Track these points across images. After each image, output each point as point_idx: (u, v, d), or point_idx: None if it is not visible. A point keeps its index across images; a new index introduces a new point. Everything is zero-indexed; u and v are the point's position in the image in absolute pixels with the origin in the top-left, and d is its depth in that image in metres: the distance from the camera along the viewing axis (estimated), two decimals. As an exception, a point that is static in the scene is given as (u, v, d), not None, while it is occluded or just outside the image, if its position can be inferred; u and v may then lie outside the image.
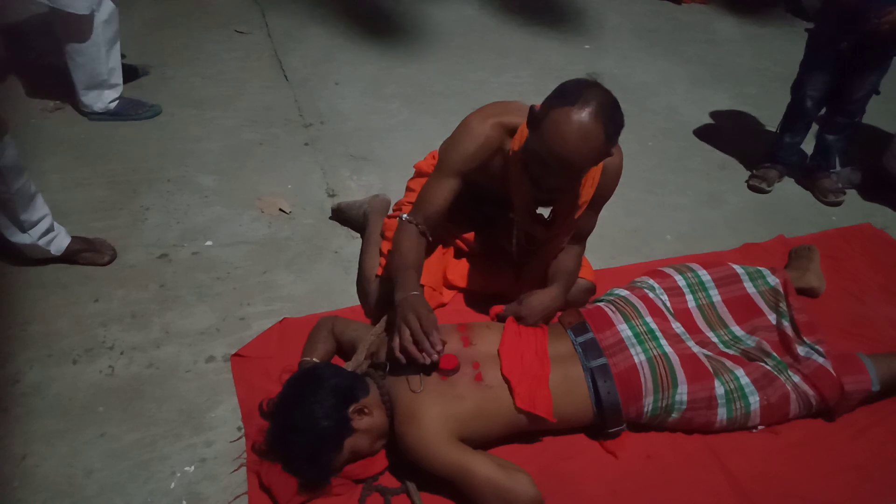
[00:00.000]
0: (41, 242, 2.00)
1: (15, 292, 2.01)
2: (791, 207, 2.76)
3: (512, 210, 1.86)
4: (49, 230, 2.01)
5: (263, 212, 2.44)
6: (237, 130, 2.88)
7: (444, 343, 1.56)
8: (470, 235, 2.03)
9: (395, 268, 1.73)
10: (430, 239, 1.81)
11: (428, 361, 1.52)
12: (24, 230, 1.95)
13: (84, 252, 2.10)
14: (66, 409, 1.71)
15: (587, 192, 1.72)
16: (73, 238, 2.08)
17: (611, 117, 1.45)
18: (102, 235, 2.18)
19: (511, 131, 1.70)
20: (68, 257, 2.08)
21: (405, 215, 1.80)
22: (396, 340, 1.54)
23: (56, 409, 1.70)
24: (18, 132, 2.67)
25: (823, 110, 2.76)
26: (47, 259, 2.07)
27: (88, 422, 1.68)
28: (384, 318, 1.77)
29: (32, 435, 1.64)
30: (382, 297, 1.93)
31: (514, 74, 3.57)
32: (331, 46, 3.64)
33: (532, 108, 1.53)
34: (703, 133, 3.23)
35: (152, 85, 3.11)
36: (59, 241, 2.05)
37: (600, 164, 1.70)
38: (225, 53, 3.45)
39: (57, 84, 2.83)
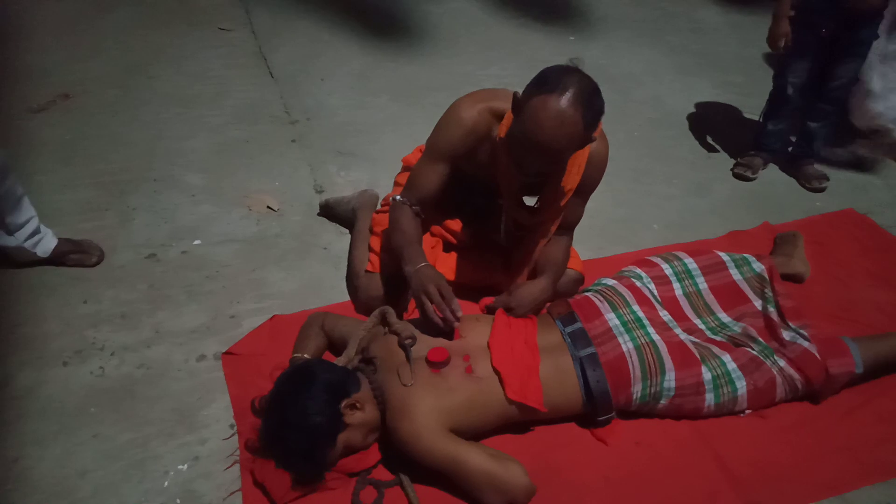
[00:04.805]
0: (27, 245, 1.99)
1: (2, 295, 2.00)
2: (776, 194, 2.79)
3: (500, 198, 1.87)
4: (35, 232, 2.00)
5: (252, 209, 2.44)
6: (223, 128, 2.87)
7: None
8: (458, 227, 2.04)
9: (399, 244, 1.78)
10: (423, 217, 1.86)
11: (453, 325, 1.64)
12: (10, 233, 1.94)
13: (72, 253, 2.09)
14: (58, 411, 1.71)
15: (573, 178, 1.74)
16: (61, 240, 2.08)
17: (589, 104, 1.47)
18: (90, 236, 2.18)
19: (499, 117, 1.71)
20: (56, 259, 2.07)
21: (398, 196, 1.85)
22: (430, 309, 1.64)
23: (48, 411, 1.70)
24: (3, 133, 2.65)
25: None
26: (34, 261, 2.06)
27: (81, 423, 1.68)
28: (375, 313, 1.77)
29: (25, 438, 1.64)
30: (386, 275, 1.94)
31: (500, 67, 3.57)
32: (316, 42, 3.62)
33: (515, 94, 1.55)
34: (688, 122, 3.24)
35: (135, 83, 3.10)
36: (46, 243, 2.04)
37: (586, 152, 1.71)
38: (209, 51, 3.43)
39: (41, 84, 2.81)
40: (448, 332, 1.67)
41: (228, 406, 1.74)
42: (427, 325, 1.68)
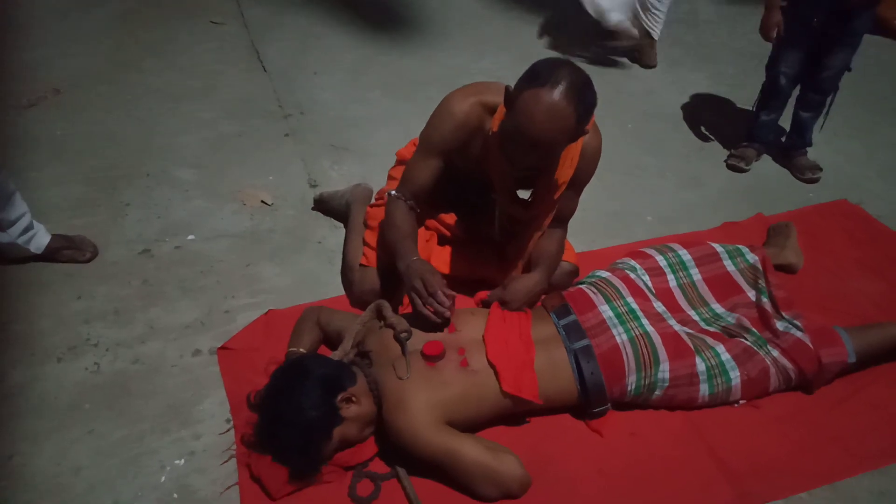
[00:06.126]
0: (20, 241, 1.98)
1: (-5, 292, 1.99)
2: (769, 185, 2.80)
3: (493, 192, 1.87)
4: (28, 228, 1.99)
5: (245, 204, 2.43)
6: (216, 123, 2.86)
7: (454, 297, 1.65)
8: (453, 221, 2.04)
9: (393, 240, 1.78)
10: (419, 211, 1.86)
11: (440, 320, 1.63)
12: (2, 229, 1.94)
13: (65, 249, 2.08)
14: (51, 407, 1.70)
15: (566, 172, 1.74)
16: (54, 236, 2.07)
17: (581, 97, 1.47)
18: (82, 232, 2.17)
19: (491, 111, 1.71)
20: (49, 255, 2.06)
21: (393, 191, 1.84)
22: (419, 303, 1.64)
23: (42, 408, 1.70)
24: (-8, 130, 2.64)
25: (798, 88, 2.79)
26: (27, 258, 2.05)
27: (75, 420, 1.68)
28: (370, 307, 1.77)
29: (18, 435, 1.63)
30: (381, 269, 1.94)
31: (493, 60, 3.57)
32: (309, 35, 3.61)
33: (507, 88, 1.55)
34: (681, 114, 3.25)
35: (127, 78, 3.08)
36: (39, 239, 2.03)
37: (579, 145, 1.71)
38: (201, 45, 3.41)
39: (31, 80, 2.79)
40: (440, 325, 1.67)
41: (223, 401, 1.74)
42: (420, 320, 1.68)
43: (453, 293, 1.67)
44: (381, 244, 1.94)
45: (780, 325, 1.82)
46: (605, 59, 3.63)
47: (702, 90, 3.45)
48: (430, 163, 1.79)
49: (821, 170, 2.82)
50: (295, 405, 1.50)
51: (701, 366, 1.70)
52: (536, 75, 1.48)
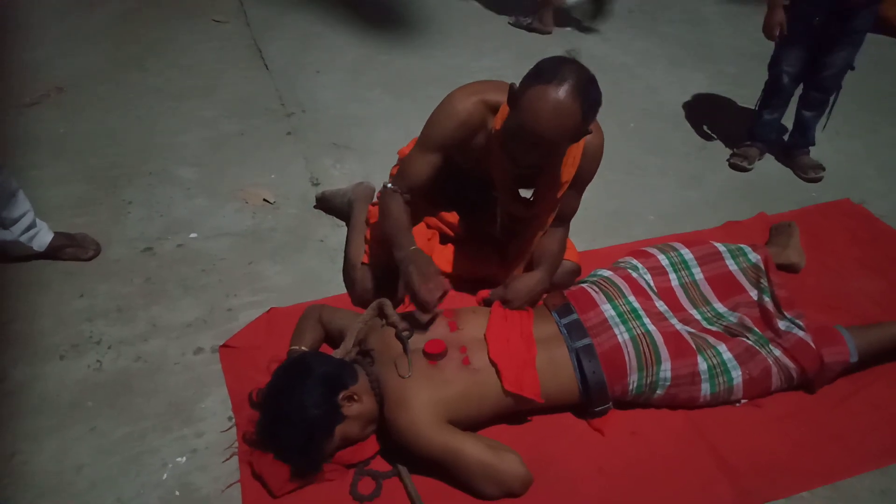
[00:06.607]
0: (23, 239, 1.98)
1: (-3, 290, 2.00)
2: (772, 185, 2.79)
3: (494, 190, 1.87)
4: (31, 226, 2.00)
5: (247, 203, 2.44)
6: (217, 121, 2.86)
7: (447, 288, 1.63)
8: (455, 220, 2.04)
9: (390, 231, 1.77)
10: (412, 207, 1.85)
11: (431, 308, 1.62)
12: (5, 227, 1.94)
13: (67, 248, 2.08)
14: (53, 405, 1.71)
15: (568, 171, 1.74)
16: (56, 234, 2.07)
17: (587, 94, 1.47)
18: (85, 231, 2.17)
19: (494, 109, 1.71)
20: (51, 253, 2.07)
21: (389, 184, 1.84)
22: (413, 291, 1.62)
23: (44, 406, 1.70)
24: (-6, 129, 2.64)
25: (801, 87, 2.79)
26: (30, 256, 2.05)
27: (77, 417, 1.68)
28: (372, 305, 1.77)
29: (20, 433, 1.63)
30: (381, 265, 1.94)
31: (493, 59, 3.57)
32: (310, 34, 3.61)
33: (511, 86, 1.54)
34: (683, 113, 3.24)
35: (128, 77, 3.08)
36: (42, 238, 2.03)
37: (581, 144, 1.71)
38: (202, 44, 3.42)
39: (34, 79, 2.79)
40: (426, 307, 1.63)
41: (225, 399, 1.74)
42: (415, 316, 1.68)
43: (448, 284, 1.66)
44: (379, 239, 1.93)
45: (782, 325, 1.82)
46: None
47: (703, 89, 3.45)
48: (428, 158, 1.79)
49: (823, 169, 2.82)
50: (297, 403, 1.50)
51: (703, 365, 1.70)
52: (541, 73, 1.48)
